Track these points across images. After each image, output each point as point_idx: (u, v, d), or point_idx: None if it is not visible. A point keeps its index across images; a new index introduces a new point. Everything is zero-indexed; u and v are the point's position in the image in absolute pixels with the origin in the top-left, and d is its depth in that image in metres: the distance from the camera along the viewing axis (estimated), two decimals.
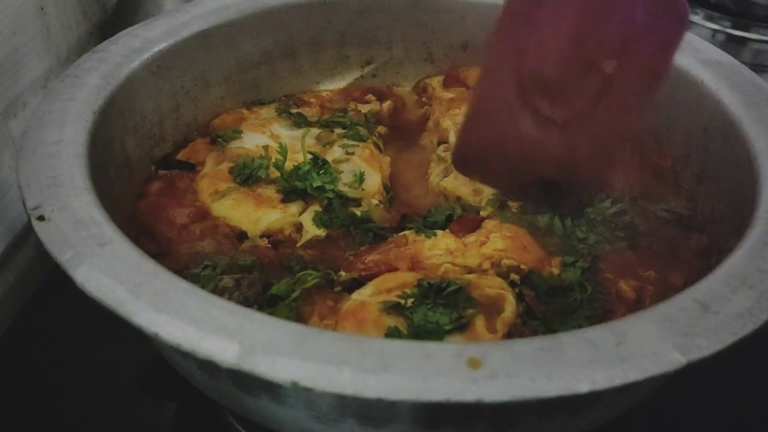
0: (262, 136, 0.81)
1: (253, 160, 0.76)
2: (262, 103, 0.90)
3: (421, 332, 0.57)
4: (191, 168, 0.79)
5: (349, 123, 0.86)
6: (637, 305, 0.63)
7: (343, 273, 0.66)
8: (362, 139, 0.82)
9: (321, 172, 0.74)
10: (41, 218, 0.52)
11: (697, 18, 1.26)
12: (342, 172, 0.76)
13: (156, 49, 0.76)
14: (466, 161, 0.65)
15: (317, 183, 0.72)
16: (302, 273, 0.65)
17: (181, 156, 0.81)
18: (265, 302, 0.62)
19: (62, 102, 0.65)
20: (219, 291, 0.62)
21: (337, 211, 0.72)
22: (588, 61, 0.50)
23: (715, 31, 1.24)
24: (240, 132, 0.82)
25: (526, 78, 0.52)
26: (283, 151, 0.75)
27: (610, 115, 0.54)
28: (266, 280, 0.64)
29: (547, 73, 0.51)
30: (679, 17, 0.51)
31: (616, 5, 0.50)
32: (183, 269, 0.64)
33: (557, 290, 0.64)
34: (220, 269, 0.64)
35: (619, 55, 0.51)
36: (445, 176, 0.79)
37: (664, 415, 0.71)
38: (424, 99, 0.95)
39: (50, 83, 0.87)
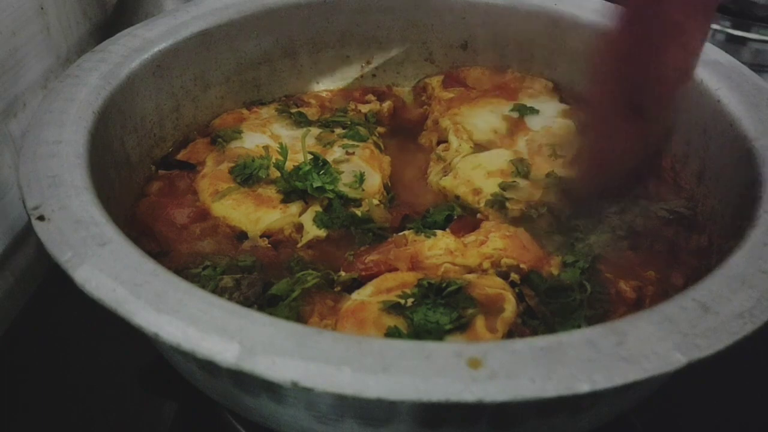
0: (263, 136, 0.81)
1: (253, 160, 0.76)
2: (262, 103, 0.90)
3: (421, 332, 0.57)
4: (191, 168, 0.79)
5: (349, 123, 0.86)
6: (636, 305, 0.63)
7: (343, 273, 0.66)
8: (362, 139, 0.82)
9: (321, 172, 0.74)
10: (41, 218, 0.52)
11: None
12: (342, 172, 0.76)
13: (156, 49, 0.76)
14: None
15: (317, 183, 0.72)
16: (302, 273, 0.65)
17: (181, 156, 0.81)
18: (265, 302, 0.62)
19: (62, 102, 0.65)
20: (219, 291, 0.62)
21: (338, 211, 0.72)
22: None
23: (715, 31, 1.24)
24: (240, 132, 0.82)
25: (635, 83, 0.57)
26: (284, 151, 0.75)
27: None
28: (266, 280, 0.64)
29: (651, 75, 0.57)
30: None
31: None
32: (183, 269, 0.64)
33: (557, 290, 0.64)
34: (220, 269, 0.64)
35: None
36: (444, 175, 0.79)
37: (664, 415, 0.71)
38: (423, 99, 0.95)
39: (50, 83, 0.87)
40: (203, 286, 0.58)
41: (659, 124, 0.64)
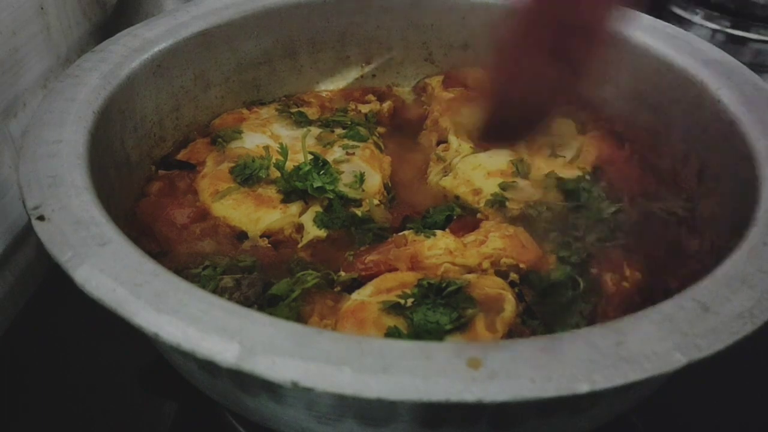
0: (263, 136, 0.81)
1: (253, 160, 0.76)
2: (262, 103, 0.90)
3: (421, 332, 0.57)
4: (191, 168, 0.79)
5: (349, 123, 0.86)
6: (627, 299, 0.63)
7: (343, 273, 0.66)
8: (363, 139, 0.82)
9: (321, 172, 0.74)
10: (41, 218, 0.52)
11: (697, 18, 1.26)
12: (342, 172, 0.76)
13: (156, 49, 0.76)
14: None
15: (318, 183, 0.72)
16: (302, 273, 0.65)
17: (181, 156, 0.81)
18: (265, 302, 0.62)
19: (62, 102, 0.65)
20: (219, 291, 0.62)
21: (338, 211, 0.72)
22: None
23: (715, 31, 1.24)
24: (240, 132, 0.82)
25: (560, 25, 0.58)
26: (284, 151, 0.75)
27: None
28: (266, 280, 0.64)
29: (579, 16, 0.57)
30: None
31: None
32: (183, 269, 0.64)
33: (553, 287, 0.64)
34: (220, 269, 0.64)
35: None
36: (444, 175, 0.79)
37: (664, 415, 0.71)
38: (423, 99, 0.95)
39: (50, 83, 0.87)
40: (203, 286, 0.58)
41: (580, 72, 0.64)
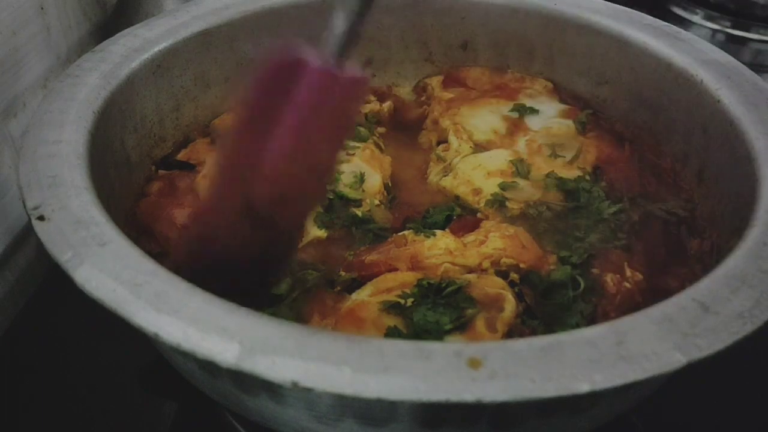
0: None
1: None
2: None
3: (420, 332, 0.57)
4: (191, 168, 0.79)
5: None
6: (628, 300, 0.63)
7: (342, 273, 0.66)
8: (363, 140, 0.82)
9: None
10: (41, 218, 0.52)
11: (697, 18, 1.26)
12: (342, 173, 0.76)
13: (156, 49, 0.76)
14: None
15: None
16: (302, 273, 0.65)
17: (181, 156, 0.81)
18: (266, 302, 0.62)
19: (62, 102, 0.65)
20: None
21: (338, 211, 0.72)
22: (302, 166, 0.53)
23: (715, 31, 1.24)
24: None
25: (254, 194, 0.52)
26: None
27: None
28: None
29: (276, 190, 0.52)
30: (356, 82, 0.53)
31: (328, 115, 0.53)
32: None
33: (553, 287, 0.64)
34: None
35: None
36: (444, 176, 0.79)
37: (664, 415, 0.71)
38: (423, 98, 0.95)
39: (50, 83, 0.87)
40: None
41: (287, 234, 0.58)
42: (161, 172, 0.78)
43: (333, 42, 0.52)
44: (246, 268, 0.56)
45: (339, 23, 0.53)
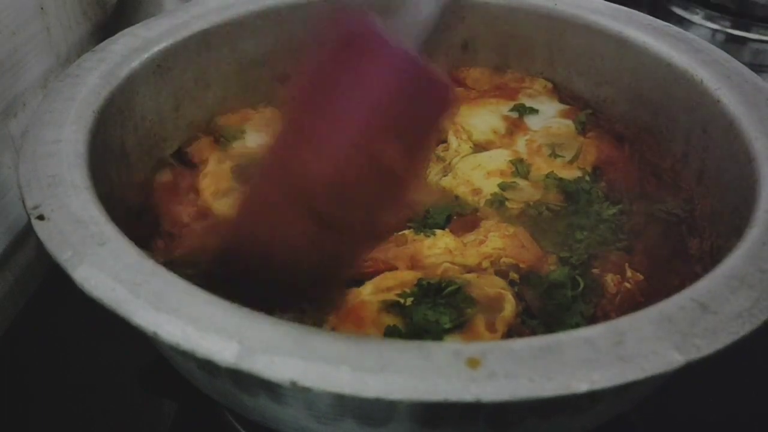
0: (266, 136, 0.81)
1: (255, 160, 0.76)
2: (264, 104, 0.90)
3: (420, 331, 0.57)
4: (193, 167, 0.79)
5: None
6: (629, 300, 0.63)
7: None
8: None
9: None
10: (41, 218, 0.52)
11: (697, 18, 1.26)
12: None
13: (156, 49, 0.76)
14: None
15: None
16: None
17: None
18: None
19: (62, 102, 0.65)
20: None
21: None
22: (372, 161, 0.44)
23: (715, 31, 1.24)
24: (243, 131, 0.82)
25: (306, 188, 0.45)
26: None
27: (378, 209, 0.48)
28: None
29: (331, 181, 0.44)
30: (442, 100, 0.46)
31: (403, 110, 0.44)
32: (178, 267, 0.64)
33: (553, 287, 0.64)
34: None
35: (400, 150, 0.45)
36: (444, 175, 0.79)
37: (664, 415, 0.71)
38: None
39: (50, 83, 0.87)
40: None
41: (352, 237, 0.49)
42: (165, 169, 0.78)
43: (416, 27, 0.42)
44: (292, 276, 0.49)
45: (425, 4, 0.42)
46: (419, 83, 0.43)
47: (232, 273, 0.50)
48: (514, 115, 0.86)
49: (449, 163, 0.80)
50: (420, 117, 0.46)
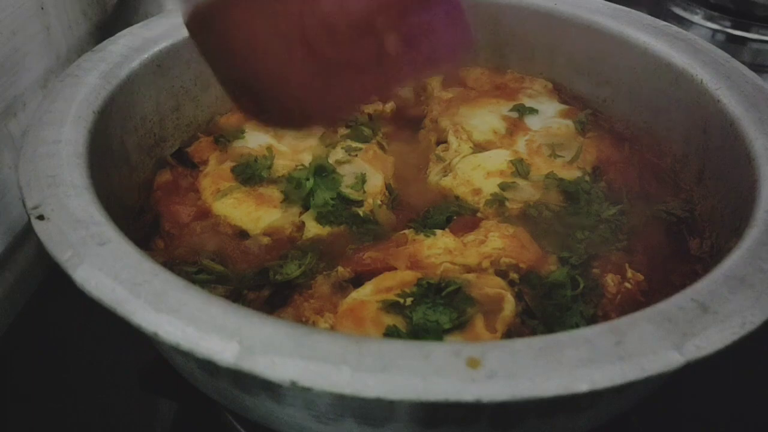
0: (266, 136, 0.82)
1: (255, 160, 0.76)
2: None
3: (420, 331, 0.57)
4: (194, 167, 0.79)
5: (353, 122, 0.86)
6: (630, 300, 0.63)
7: (341, 268, 0.66)
8: (365, 140, 0.82)
9: (324, 185, 0.74)
10: (41, 218, 0.52)
11: (697, 18, 1.26)
12: (344, 175, 0.76)
13: (156, 49, 0.76)
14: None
15: (320, 201, 0.72)
16: (302, 255, 0.66)
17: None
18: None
19: (62, 102, 0.65)
20: None
21: (339, 211, 0.72)
22: (372, 28, 0.49)
23: (715, 31, 1.24)
24: (243, 131, 0.82)
25: (314, 24, 0.49)
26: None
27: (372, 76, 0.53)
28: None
29: (336, 23, 0.49)
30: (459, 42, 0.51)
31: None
32: (177, 265, 0.65)
33: (553, 287, 0.64)
34: (215, 276, 0.65)
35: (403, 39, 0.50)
36: (444, 176, 0.79)
37: (664, 415, 0.71)
38: (422, 98, 0.95)
39: (50, 83, 0.87)
40: None
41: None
42: (165, 169, 0.78)
43: None
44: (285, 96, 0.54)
45: None
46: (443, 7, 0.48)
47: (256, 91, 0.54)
48: (514, 115, 0.86)
49: (449, 164, 0.80)
50: (428, 35, 0.50)
